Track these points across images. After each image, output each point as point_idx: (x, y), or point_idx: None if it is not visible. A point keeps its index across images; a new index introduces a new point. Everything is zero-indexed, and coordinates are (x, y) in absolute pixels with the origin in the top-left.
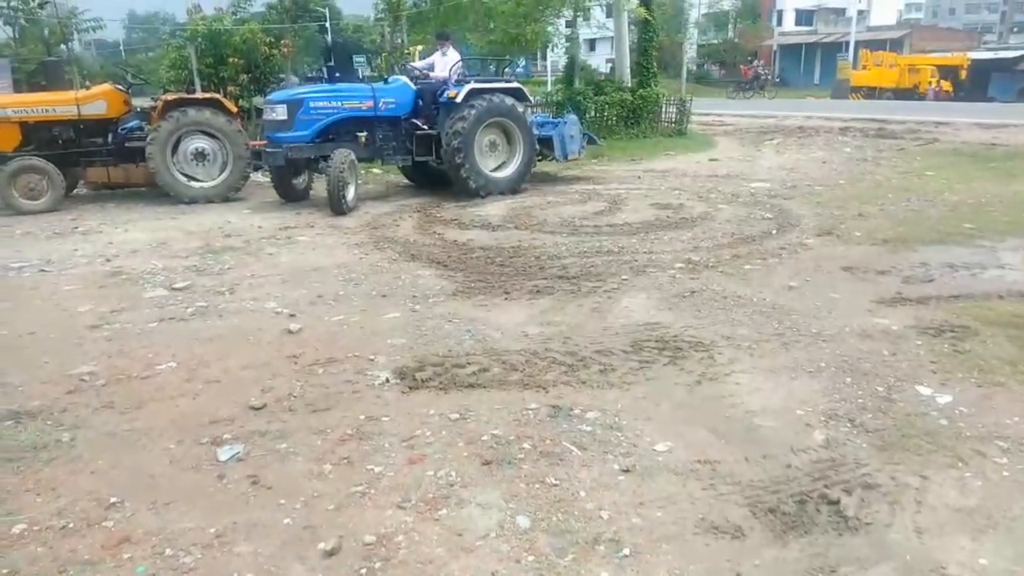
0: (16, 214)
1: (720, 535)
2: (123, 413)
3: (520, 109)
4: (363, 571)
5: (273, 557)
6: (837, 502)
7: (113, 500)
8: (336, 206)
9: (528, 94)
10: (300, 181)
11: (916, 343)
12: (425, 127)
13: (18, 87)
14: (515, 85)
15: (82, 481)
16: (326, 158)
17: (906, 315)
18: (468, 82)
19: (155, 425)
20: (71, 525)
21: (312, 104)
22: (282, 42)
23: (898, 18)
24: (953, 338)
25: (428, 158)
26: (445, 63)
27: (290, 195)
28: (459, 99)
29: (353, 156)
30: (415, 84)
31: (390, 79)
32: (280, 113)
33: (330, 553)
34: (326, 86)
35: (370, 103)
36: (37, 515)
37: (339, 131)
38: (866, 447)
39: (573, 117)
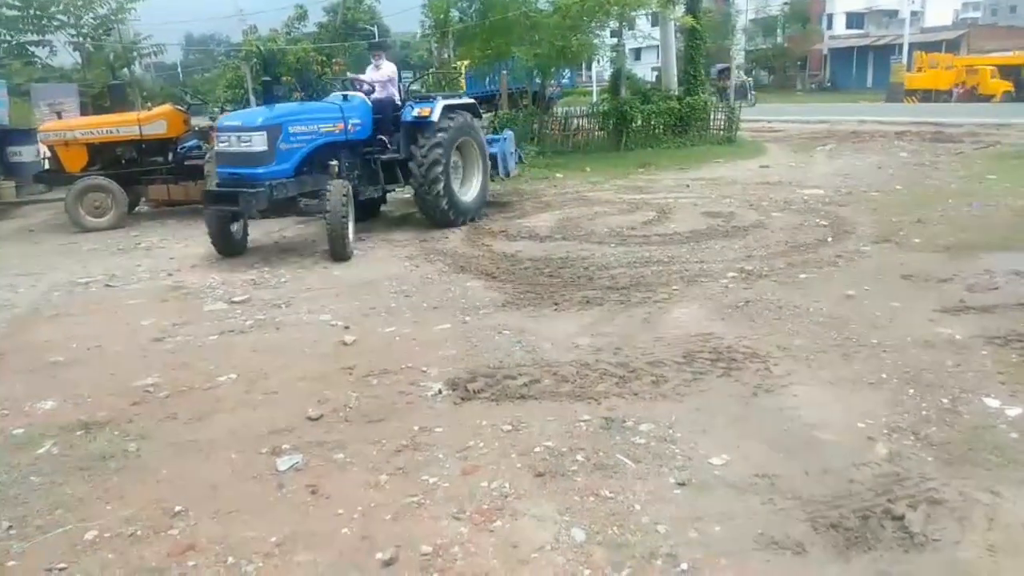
0: (82, 231)
1: (781, 551)
2: (186, 424)
3: (479, 126)
4: None
5: (332, 566)
6: (902, 518)
7: (178, 508)
8: (340, 251)
9: (479, 110)
10: (236, 229)
11: (982, 353)
12: (391, 149)
13: (84, 110)
14: (470, 100)
15: (148, 490)
16: (310, 195)
17: (971, 324)
18: (435, 98)
19: (217, 436)
20: (139, 532)
21: (291, 129)
22: (334, 60)
23: (954, 18)
24: (1022, 348)
25: (396, 186)
26: (382, 78)
27: (228, 247)
28: (435, 117)
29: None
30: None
31: (349, 96)
32: (257, 143)
33: (387, 563)
34: (300, 105)
35: (340, 125)
36: (107, 522)
37: (311, 161)
38: (931, 461)
39: (510, 133)
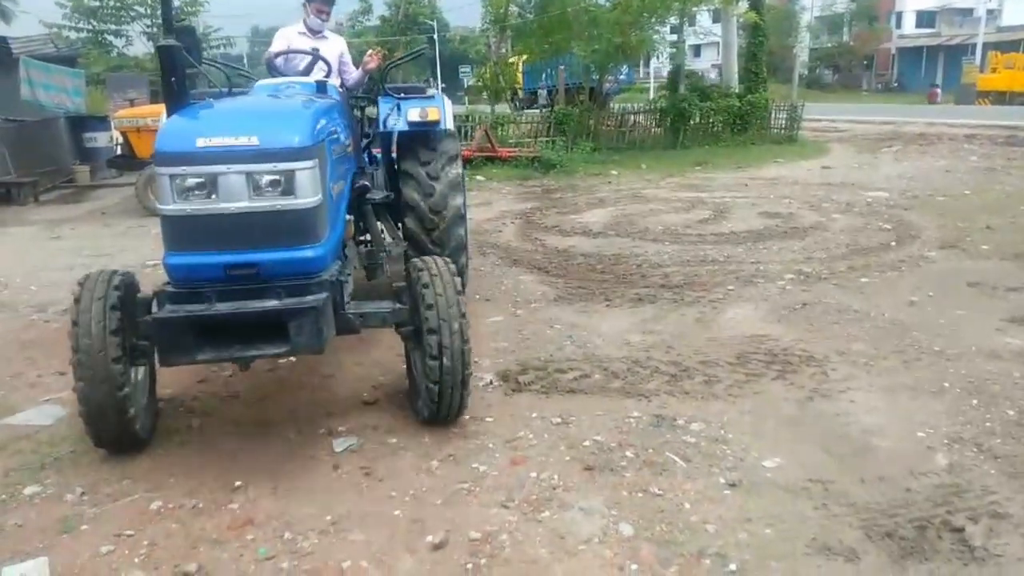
0: (151, 215)
1: (832, 557)
2: (248, 403)
3: None
4: (469, 566)
5: (384, 547)
6: (961, 530)
7: (238, 484)
8: (459, 402)
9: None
10: (138, 383)
11: None
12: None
13: (155, 98)
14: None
15: (210, 465)
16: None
17: None
18: (430, 94)
19: (276, 416)
20: (201, 505)
21: (334, 153)
22: (395, 54)
23: None
24: None
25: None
26: (332, 52)
27: (124, 436)
28: (448, 123)
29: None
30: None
31: (326, 85)
32: (305, 187)
33: (438, 546)
34: (320, 103)
35: (351, 140)
36: (171, 494)
37: None
38: (994, 474)
39: None
